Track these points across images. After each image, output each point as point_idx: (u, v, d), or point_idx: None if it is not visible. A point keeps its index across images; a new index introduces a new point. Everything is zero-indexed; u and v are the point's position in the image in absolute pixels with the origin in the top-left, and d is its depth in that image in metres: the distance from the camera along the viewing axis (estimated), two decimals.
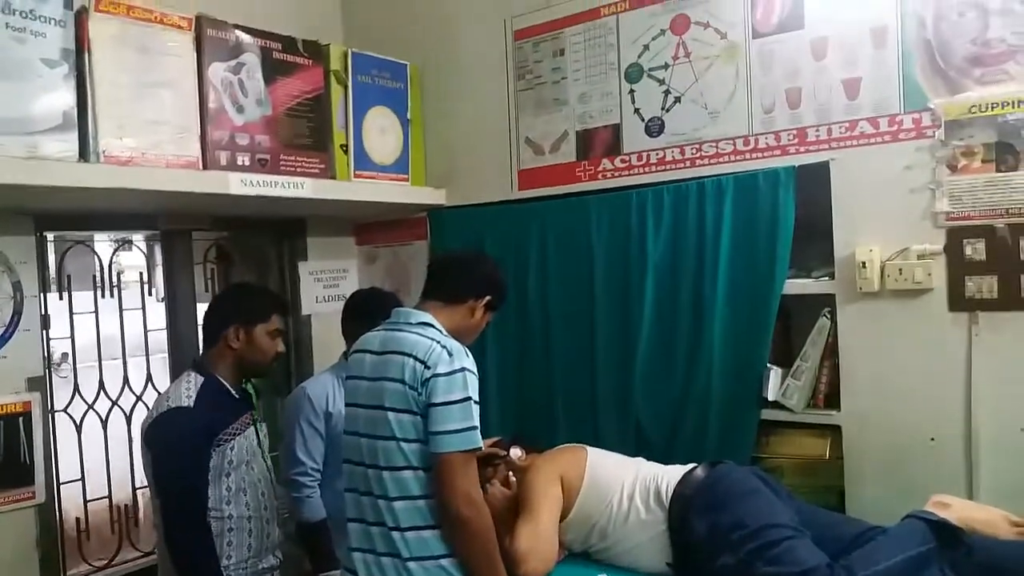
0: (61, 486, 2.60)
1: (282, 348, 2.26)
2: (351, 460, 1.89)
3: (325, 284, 3.47)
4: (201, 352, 2.26)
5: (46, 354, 2.58)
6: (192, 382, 2.11)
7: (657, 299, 2.65)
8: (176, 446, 2.02)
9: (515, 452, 2.45)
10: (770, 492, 2.02)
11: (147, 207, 2.73)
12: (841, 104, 2.35)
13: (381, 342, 1.88)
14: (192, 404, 2.05)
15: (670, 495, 2.08)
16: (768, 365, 2.44)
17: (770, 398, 2.44)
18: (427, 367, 1.76)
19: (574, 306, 2.85)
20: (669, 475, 2.15)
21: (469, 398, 1.75)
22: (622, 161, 2.78)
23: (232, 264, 3.38)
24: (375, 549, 1.80)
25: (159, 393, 2.38)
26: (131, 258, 3.22)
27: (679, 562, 2.04)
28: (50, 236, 2.66)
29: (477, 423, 1.75)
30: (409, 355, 1.79)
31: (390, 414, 1.79)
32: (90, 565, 2.75)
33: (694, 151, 2.62)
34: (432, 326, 1.86)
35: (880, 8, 2.27)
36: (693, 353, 2.57)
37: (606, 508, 2.15)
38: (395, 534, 1.77)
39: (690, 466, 2.19)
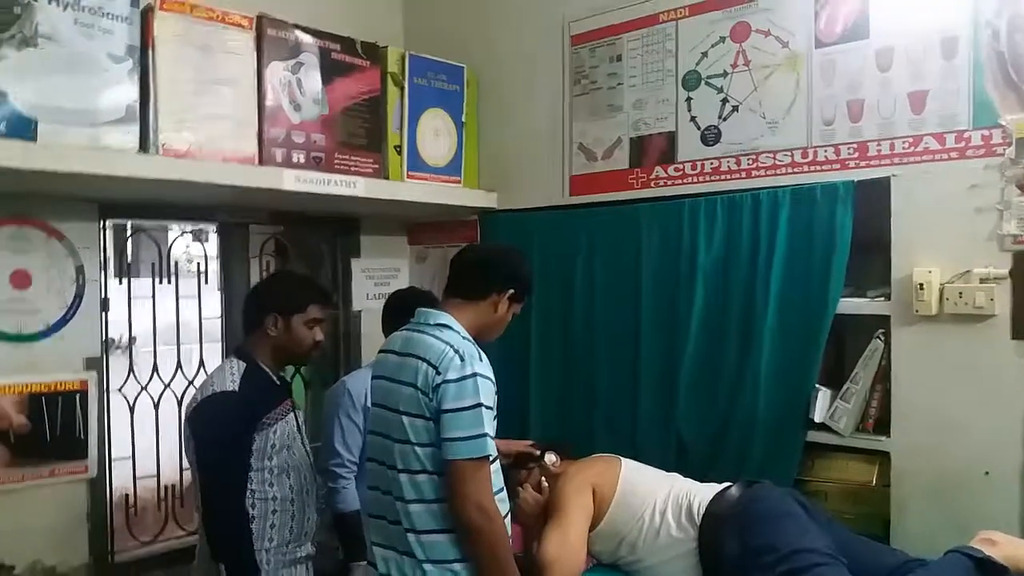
0: (112, 463, 2.71)
1: (320, 337, 2.30)
2: (374, 459, 1.92)
3: (376, 281, 3.53)
4: (243, 339, 2.32)
5: (104, 336, 2.69)
6: (235, 367, 2.17)
7: (705, 312, 2.61)
8: (220, 430, 2.08)
9: (550, 457, 2.45)
10: (807, 517, 1.97)
11: (205, 199, 2.83)
12: (905, 118, 2.27)
13: (402, 343, 1.90)
14: (236, 388, 2.11)
15: (702, 513, 2.04)
16: (817, 386, 2.38)
17: (817, 419, 2.37)
18: (438, 372, 1.76)
19: (619, 315, 2.83)
20: (703, 493, 2.11)
21: (479, 404, 1.73)
22: (676, 169, 2.75)
23: (287, 258, 3.47)
24: (395, 547, 1.82)
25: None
26: (190, 248, 3.33)
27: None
28: (112, 223, 2.77)
29: (487, 430, 1.73)
30: (423, 359, 1.79)
31: (404, 418, 1.80)
32: (137, 540, 2.86)
33: (750, 162, 2.57)
34: (450, 327, 1.86)
35: (951, 18, 2.19)
36: (740, 369, 2.52)
37: (637, 522, 2.13)
38: (411, 536, 1.79)
39: (725, 485, 2.15)
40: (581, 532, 2.13)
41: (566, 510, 2.16)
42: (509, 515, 1.91)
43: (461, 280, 1.97)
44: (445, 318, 1.89)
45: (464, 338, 1.85)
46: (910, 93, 2.27)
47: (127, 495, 2.83)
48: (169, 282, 3.01)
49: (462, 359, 1.77)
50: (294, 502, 2.20)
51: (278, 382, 2.27)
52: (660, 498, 2.14)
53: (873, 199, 2.29)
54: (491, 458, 1.80)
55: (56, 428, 2.51)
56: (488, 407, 1.76)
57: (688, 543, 2.04)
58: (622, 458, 2.35)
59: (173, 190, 2.49)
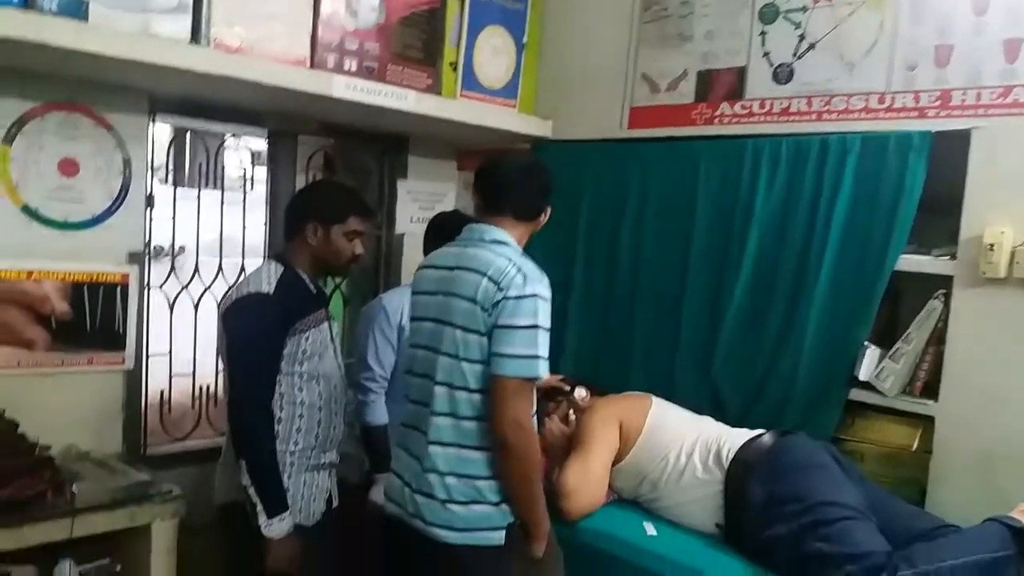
0: (149, 358, 2.78)
1: (360, 251, 2.30)
2: (413, 371, 1.93)
3: (421, 205, 3.52)
4: (284, 245, 2.33)
5: (148, 232, 2.74)
6: (273, 270, 2.19)
7: (757, 259, 2.56)
8: (252, 329, 2.11)
9: (579, 392, 2.45)
10: (840, 471, 1.94)
11: (254, 102, 2.83)
12: (997, 67, 2.16)
13: (455, 258, 1.88)
14: (272, 291, 2.13)
15: (731, 458, 2.02)
16: (866, 343, 2.32)
17: (862, 377, 2.32)
18: (499, 288, 1.75)
19: (667, 257, 2.79)
20: (734, 438, 2.09)
21: (537, 326, 1.72)
22: (743, 107, 2.66)
23: (335, 172, 3.47)
24: (420, 459, 1.84)
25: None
26: (238, 154, 3.35)
27: (729, 526, 1.99)
28: (162, 121, 2.79)
29: (542, 352, 1.73)
30: (483, 274, 1.78)
31: (458, 332, 1.79)
32: (169, 436, 2.95)
33: (822, 103, 2.47)
34: (507, 244, 1.85)
35: None
36: (786, 321, 2.47)
37: (661, 461, 2.12)
38: (436, 448, 1.81)
39: (757, 432, 2.12)
40: (603, 465, 2.14)
41: (590, 442, 2.16)
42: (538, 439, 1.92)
43: (510, 197, 1.92)
44: (501, 235, 1.88)
45: (523, 256, 1.83)
46: (1005, 40, 2.14)
47: (162, 391, 2.92)
48: (215, 187, 3.03)
49: (524, 277, 1.76)
50: (321, 409, 2.23)
51: (314, 291, 2.28)
52: (688, 439, 2.13)
53: (948, 152, 2.19)
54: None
55: (96, 318, 2.57)
56: (545, 329, 1.75)
57: (713, 486, 2.02)
58: (653, 396, 2.33)
59: (221, 88, 2.48)
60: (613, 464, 2.20)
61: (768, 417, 2.46)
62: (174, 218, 2.92)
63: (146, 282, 2.75)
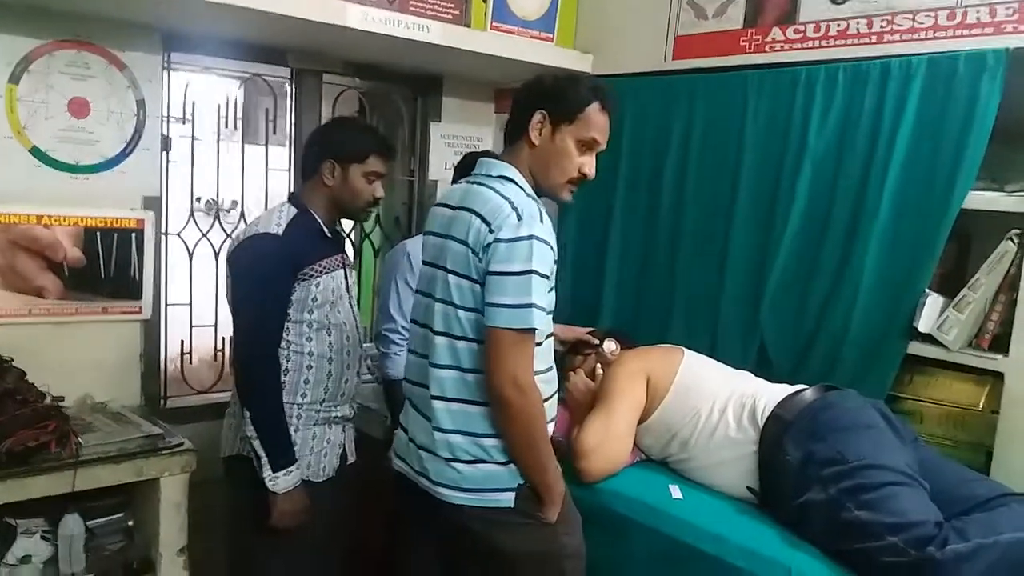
0: (168, 307, 2.77)
1: (380, 193, 2.22)
2: (416, 320, 1.85)
3: (456, 149, 3.43)
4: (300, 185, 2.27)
5: (164, 175, 2.71)
6: (284, 212, 2.14)
7: (810, 199, 2.40)
8: (257, 271, 2.06)
9: (608, 345, 2.34)
10: (889, 430, 1.79)
11: (270, 37, 2.76)
12: None
13: (460, 196, 1.78)
14: (280, 232, 2.07)
15: (766, 415, 1.89)
16: (927, 291, 2.14)
17: (922, 329, 2.15)
18: (491, 230, 1.64)
19: (713, 199, 2.64)
20: (771, 393, 1.96)
21: (531, 271, 1.60)
22: (796, 31, 2.46)
23: (362, 114, 3.39)
24: (426, 415, 1.77)
25: None
26: (258, 96, 3.28)
27: (764, 489, 1.87)
28: (177, 60, 2.74)
29: (536, 300, 1.61)
30: (477, 214, 1.68)
31: (451, 277, 1.71)
32: (191, 388, 2.96)
33: (884, 23, 2.27)
34: (513, 181, 1.72)
35: None
36: (841, 266, 2.31)
37: (692, 419, 2.00)
38: (439, 403, 1.73)
39: (799, 387, 1.97)
40: (627, 423, 2.03)
41: (613, 398, 2.05)
42: (556, 397, 1.82)
43: (510, 119, 1.80)
44: (509, 171, 1.75)
45: (528, 196, 1.72)
46: None
47: (182, 342, 2.91)
48: (236, 128, 2.98)
49: (519, 217, 1.63)
50: (332, 360, 2.18)
51: (329, 234, 2.21)
52: (722, 395, 2.00)
53: None
54: (541, 333, 1.71)
55: (111, 266, 2.57)
56: (543, 275, 1.63)
57: (747, 446, 1.90)
58: (686, 349, 2.20)
59: (233, 21, 2.42)
60: (640, 422, 2.09)
61: (818, 373, 2.33)
62: (192, 163, 2.88)
63: (164, 228, 2.74)
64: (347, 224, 3.24)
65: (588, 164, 1.79)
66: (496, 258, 1.61)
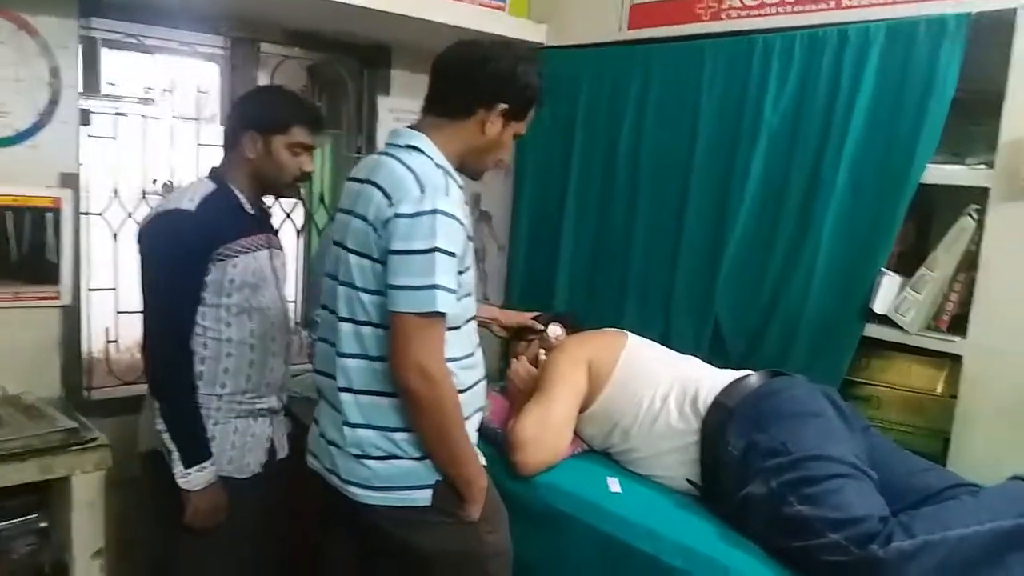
0: (91, 292, 2.64)
1: (309, 168, 2.11)
2: (324, 305, 1.74)
3: (407, 126, 3.27)
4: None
5: (84, 151, 2.57)
6: (201, 188, 2.03)
7: (765, 174, 2.32)
8: (164, 250, 1.95)
9: (554, 330, 2.25)
10: (838, 419, 1.70)
11: (202, 1, 2.61)
12: None
13: (368, 168, 1.67)
14: (193, 209, 1.96)
15: (709, 402, 1.80)
16: (883, 270, 2.05)
17: (878, 310, 2.08)
18: (391, 203, 1.53)
19: (667, 173, 2.57)
20: (716, 380, 1.87)
21: (435, 249, 1.48)
22: None
23: (311, 90, 3.25)
24: (334, 407, 1.67)
25: None
26: (187, 68, 3.12)
27: (706, 482, 1.78)
28: (98, 26, 2.59)
29: (441, 280, 1.50)
30: (379, 187, 1.57)
31: (351, 257, 1.61)
32: (117, 378, 2.82)
33: None
34: (421, 151, 1.61)
35: None
36: (796, 244, 2.24)
37: (633, 407, 1.91)
38: (347, 395, 1.63)
39: (744, 373, 1.89)
40: (566, 412, 1.94)
41: (552, 386, 1.96)
42: (481, 385, 1.72)
43: (438, 90, 1.69)
44: (418, 139, 1.64)
45: (438, 166, 1.60)
46: None
47: (107, 328, 2.78)
48: (165, 102, 2.84)
49: (422, 190, 1.52)
50: (254, 348, 2.07)
51: (252, 211, 2.09)
52: (665, 382, 1.91)
53: (989, 39, 1.90)
54: (459, 317, 1.62)
55: (23, 247, 2.43)
56: (449, 253, 1.51)
57: (688, 435, 1.81)
58: (630, 334, 2.11)
59: None
60: (581, 410, 1.99)
61: (773, 356, 2.27)
62: (116, 137, 2.73)
63: (84, 208, 2.60)
64: (289, 204, 3.15)
65: (509, 154, 1.83)
66: (396, 235, 1.51)
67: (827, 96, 2.16)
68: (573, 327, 2.29)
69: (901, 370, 2.11)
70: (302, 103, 2.16)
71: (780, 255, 2.26)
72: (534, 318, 2.29)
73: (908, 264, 2.12)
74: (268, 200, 2.24)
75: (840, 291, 2.14)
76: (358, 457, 1.62)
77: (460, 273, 1.59)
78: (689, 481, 1.81)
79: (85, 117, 2.58)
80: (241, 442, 2.07)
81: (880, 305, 2.06)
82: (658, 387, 1.91)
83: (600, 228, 2.74)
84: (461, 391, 1.63)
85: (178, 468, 1.91)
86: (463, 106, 1.66)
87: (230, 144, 2.09)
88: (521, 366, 2.14)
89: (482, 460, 1.69)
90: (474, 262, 1.69)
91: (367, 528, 1.66)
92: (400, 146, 1.65)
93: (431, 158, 1.61)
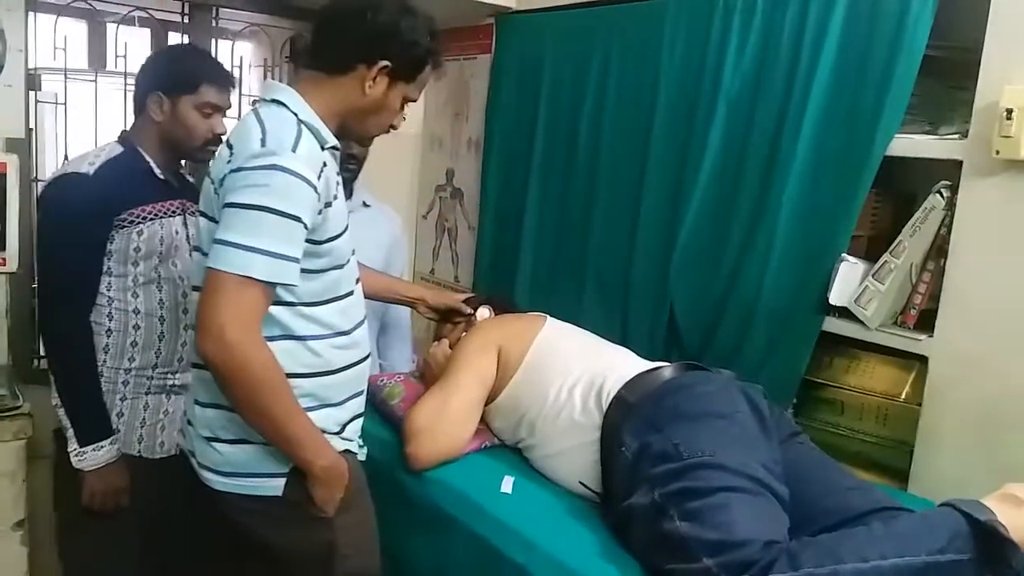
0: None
1: (221, 129, 1.97)
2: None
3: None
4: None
5: (31, 117, 2.49)
6: (105, 151, 1.91)
7: (724, 146, 2.07)
8: (56, 214, 1.85)
9: (482, 312, 2.06)
10: (753, 423, 1.46)
11: None
12: None
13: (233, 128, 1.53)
14: (91, 173, 1.84)
15: (611, 396, 1.57)
16: (844, 256, 1.79)
17: (834, 301, 1.83)
18: (232, 156, 1.38)
19: (627, 146, 2.33)
20: (625, 370, 1.64)
21: (266, 208, 1.30)
22: None
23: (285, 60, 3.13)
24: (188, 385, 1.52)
25: None
26: (143, 36, 3.01)
27: (603, 487, 1.56)
28: None
29: (271, 245, 1.31)
30: (227, 142, 1.43)
31: (202, 220, 1.47)
32: None
33: None
34: (284, 105, 1.43)
35: None
36: (752, 226, 1.99)
37: (540, 398, 1.70)
38: (195, 371, 1.49)
39: (658, 364, 1.65)
40: (467, 401, 1.74)
41: (457, 372, 1.77)
42: (360, 367, 1.56)
43: (317, 42, 1.52)
44: (284, 93, 1.47)
45: (301, 122, 1.42)
46: None
47: None
48: (116, 67, 2.73)
49: (263, 142, 1.35)
50: (164, 320, 1.94)
51: (163, 176, 1.96)
52: (575, 371, 1.69)
53: None
54: (332, 292, 1.47)
55: None
56: (287, 215, 1.33)
57: (589, 432, 1.59)
58: (549, 318, 1.89)
59: None
60: (489, 400, 1.79)
61: (727, 351, 2.04)
62: (66, 104, 2.65)
63: (33, 175, 2.52)
64: None
65: (400, 118, 1.59)
66: (228, 188, 1.35)
67: (789, 59, 1.89)
68: (504, 310, 2.09)
69: (865, 371, 1.84)
70: (210, 60, 2.02)
71: (736, 239, 2.01)
72: (466, 300, 2.10)
73: (871, 248, 1.85)
74: None
75: (797, 278, 1.88)
76: (208, 440, 1.47)
77: (320, 243, 1.42)
78: (583, 484, 1.59)
79: (33, 81, 2.50)
80: (153, 419, 1.95)
81: (837, 296, 1.79)
82: (567, 377, 1.69)
83: (563, 207, 2.52)
84: (330, 372, 1.48)
85: (72, 446, 1.82)
86: (341, 61, 1.48)
87: (139, 107, 1.96)
88: (439, 350, 1.95)
89: (348, 446, 1.52)
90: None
91: (222, 518, 1.50)
92: (265, 100, 1.49)
93: (295, 113, 1.44)
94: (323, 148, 1.44)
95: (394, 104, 1.54)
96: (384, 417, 1.94)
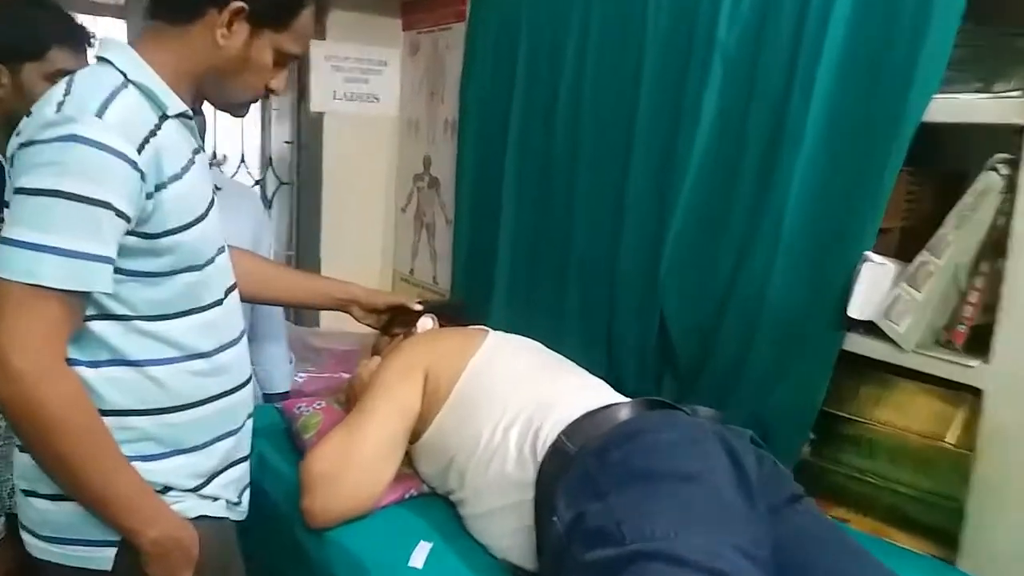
0: None
1: None
2: None
3: (348, 76, 2.78)
4: None
5: None
6: None
7: (721, 113, 1.66)
8: None
9: (424, 323, 1.68)
10: (731, 487, 1.07)
11: None
12: None
13: None
14: None
15: (548, 444, 1.19)
16: (867, 254, 1.38)
17: (853, 313, 1.41)
18: (19, 131, 1.06)
19: (610, 120, 1.92)
20: (571, 408, 1.25)
21: (60, 192, 0.98)
22: None
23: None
24: None
25: None
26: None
27: (538, 561, 1.18)
28: None
29: (70, 244, 0.98)
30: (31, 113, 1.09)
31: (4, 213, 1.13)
32: None
33: None
34: (111, 64, 1.09)
35: None
36: (755, 211, 1.58)
37: (471, 438, 1.33)
38: None
39: (612, 401, 1.26)
40: (382, 440, 1.38)
41: (370, 403, 1.40)
42: (233, 398, 1.22)
43: None
44: (115, 50, 1.13)
45: (128, 82, 1.07)
46: None
47: None
48: None
49: (60, 107, 1.02)
50: None
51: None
52: (514, 403, 1.32)
53: None
54: (189, 301, 1.14)
55: None
56: (94, 202, 0.99)
57: (522, 491, 1.22)
58: (492, 332, 1.52)
59: None
60: (414, 437, 1.42)
61: (726, 369, 1.65)
62: None
63: None
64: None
65: (280, 79, 1.24)
66: (17, 168, 1.03)
67: (796, 10, 1.48)
68: (453, 322, 1.72)
69: (900, 404, 1.43)
70: (60, 18, 1.66)
71: (736, 228, 1.60)
72: (418, 303, 1.72)
73: (918, 247, 1.43)
74: None
75: (809, 282, 1.47)
76: (26, 493, 1.13)
77: (154, 236, 1.07)
78: (508, 561, 1.21)
79: None
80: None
81: (860, 307, 1.38)
82: (505, 411, 1.31)
83: (541, 194, 2.12)
84: (181, 407, 1.14)
85: None
86: (184, 4, 1.13)
87: None
88: (367, 368, 1.59)
89: (204, 508, 1.17)
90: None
91: None
92: (94, 60, 1.15)
93: (123, 73, 1.09)
94: (165, 116, 1.10)
95: (262, 59, 1.18)
96: (300, 454, 1.59)
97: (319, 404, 1.68)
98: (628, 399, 1.28)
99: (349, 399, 1.63)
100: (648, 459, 1.07)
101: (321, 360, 2.52)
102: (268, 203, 2.97)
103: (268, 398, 2.06)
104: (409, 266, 2.84)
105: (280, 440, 1.68)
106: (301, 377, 2.40)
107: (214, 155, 2.92)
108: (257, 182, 3.01)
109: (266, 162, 3.02)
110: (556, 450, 1.17)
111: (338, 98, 2.78)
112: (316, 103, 2.76)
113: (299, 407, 1.68)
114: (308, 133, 2.85)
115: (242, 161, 2.97)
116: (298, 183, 2.94)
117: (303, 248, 2.94)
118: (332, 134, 2.80)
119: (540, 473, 1.19)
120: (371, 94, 2.83)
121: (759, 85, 1.55)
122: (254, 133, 3.06)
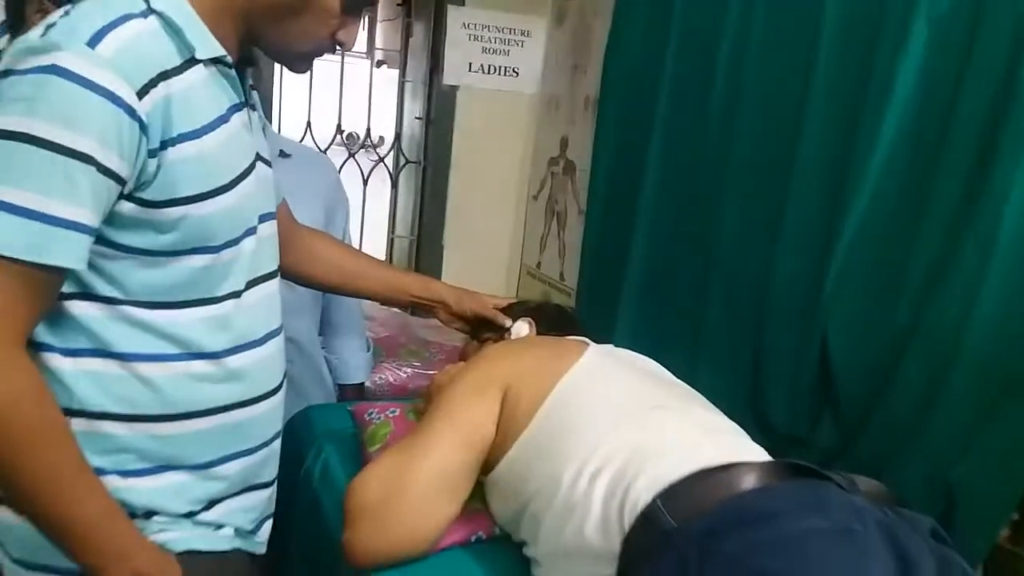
0: None
1: None
2: None
3: (487, 47, 2.56)
4: None
5: None
6: None
7: (920, 93, 1.30)
8: None
9: (520, 329, 1.43)
10: None
11: None
12: None
13: None
14: None
15: (638, 511, 0.90)
16: None
17: None
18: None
19: (773, 116, 1.60)
20: (679, 463, 0.94)
21: (25, 136, 0.78)
22: None
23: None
24: None
25: None
26: None
27: None
28: None
29: (33, 203, 0.78)
30: None
31: None
32: None
33: None
34: None
35: None
36: (958, 223, 1.23)
37: (552, 480, 1.05)
38: None
39: (740, 458, 0.95)
40: (442, 471, 1.13)
41: (432, 424, 1.15)
42: (248, 411, 1.03)
43: None
44: None
45: (152, 12, 0.88)
46: None
47: None
48: None
49: (48, 29, 0.83)
50: None
51: None
52: (607, 443, 1.03)
53: None
54: (198, 288, 0.96)
55: None
56: (69, 152, 0.79)
57: (599, 565, 0.93)
58: (592, 346, 1.23)
59: None
60: (485, 469, 1.16)
61: (902, 420, 1.29)
62: None
63: None
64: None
65: (351, 30, 1.03)
66: None
67: None
68: (556, 328, 1.44)
69: None
70: None
71: (930, 244, 1.25)
72: (505, 308, 1.47)
73: None
74: None
75: None
76: None
77: (157, 205, 0.88)
78: None
79: None
80: None
81: None
82: (595, 451, 1.01)
83: (687, 184, 1.82)
84: (175, 417, 0.96)
85: None
86: None
87: None
88: (446, 376, 1.35)
89: (198, 542, 0.97)
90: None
91: None
92: None
93: (164, 14, 0.89)
94: (194, 59, 0.89)
95: (323, 4, 0.96)
96: None
97: (392, 412, 1.46)
98: (759, 459, 0.96)
99: (425, 409, 1.39)
100: (774, 558, 0.76)
101: (430, 355, 2.32)
102: (394, 182, 2.82)
103: (341, 389, 1.91)
104: (536, 259, 2.59)
105: (350, 448, 1.47)
106: (406, 372, 2.22)
107: (368, 135, 2.81)
108: (381, 159, 2.85)
109: (394, 139, 2.86)
110: (648, 519, 0.88)
111: (474, 70, 2.58)
112: (449, 75, 2.57)
113: (370, 412, 1.46)
114: (439, 108, 2.67)
115: (367, 136, 2.83)
116: (424, 163, 2.76)
117: (425, 234, 2.77)
118: (464, 110, 2.61)
119: (625, 545, 0.89)
120: (511, 67, 2.60)
121: (977, 52, 1.18)
122: (389, 108, 2.92)
